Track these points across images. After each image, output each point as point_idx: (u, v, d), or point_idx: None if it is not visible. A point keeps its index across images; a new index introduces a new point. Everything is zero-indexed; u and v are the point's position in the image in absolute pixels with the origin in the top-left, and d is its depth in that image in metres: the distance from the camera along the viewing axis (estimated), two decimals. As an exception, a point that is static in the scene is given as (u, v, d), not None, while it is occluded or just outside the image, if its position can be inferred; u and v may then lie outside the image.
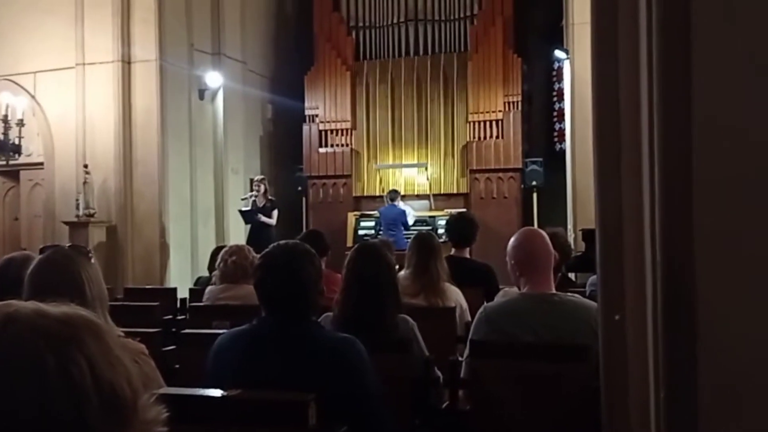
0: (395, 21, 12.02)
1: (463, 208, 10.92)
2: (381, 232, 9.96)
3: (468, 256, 4.88)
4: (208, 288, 4.28)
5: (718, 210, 1.25)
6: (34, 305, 0.83)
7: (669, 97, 1.30)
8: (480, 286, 4.34)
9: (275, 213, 9.75)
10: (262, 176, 10.26)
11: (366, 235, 10.62)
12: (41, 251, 2.22)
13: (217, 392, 1.91)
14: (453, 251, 4.66)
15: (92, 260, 2.10)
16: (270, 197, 9.88)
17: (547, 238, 2.87)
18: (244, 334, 2.27)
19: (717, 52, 1.26)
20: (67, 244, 2.28)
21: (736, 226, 1.23)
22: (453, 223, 5.03)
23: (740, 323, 1.24)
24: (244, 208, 9.76)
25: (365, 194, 11.88)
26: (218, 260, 4.21)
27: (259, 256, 2.37)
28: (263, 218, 9.52)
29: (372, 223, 11.15)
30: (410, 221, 10.36)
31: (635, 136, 1.42)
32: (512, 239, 2.86)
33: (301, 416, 1.73)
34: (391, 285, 2.88)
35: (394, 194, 10.43)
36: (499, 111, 11.28)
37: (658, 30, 1.31)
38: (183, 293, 5.63)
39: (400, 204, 10.42)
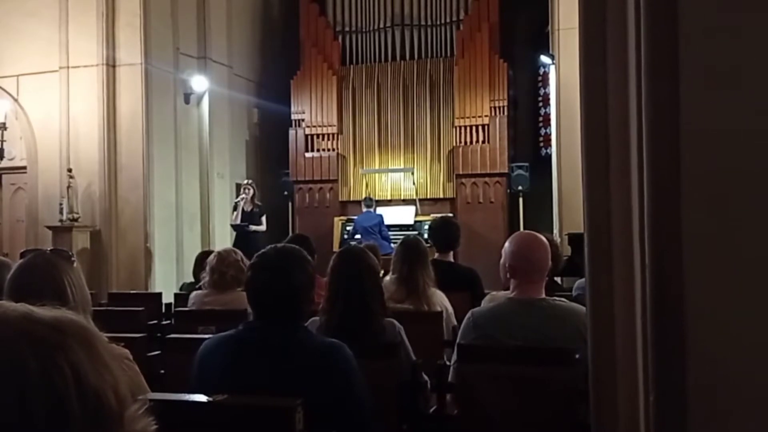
0: (381, 26, 12.03)
1: (450, 212, 10.92)
2: (357, 238, 9.85)
3: (452, 260, 4.87)
4: (194, 293, 4.24)
5: (706, 214, 1.25)
6: (26, 308, 0.81)
7: (657, 101, 1.30)
8: (464, 290, 4.33)
9: (264, 219, 9.74)
10: (249, 180, 10.22)
11: (350, 239, 10.60)
12: (22, 255, 2.18)
13: (202, 398, 1.89)
14: (437, 255, 4.64)
15: (74, 264, 2.06)
16: (257, 202, 9.86)
17: (548, 246, 2.83)
18: (229, 339, 2.25)
19: (705, 56, 1.27)
20: (49, 248, 2.24)
21: (724, 230, 1.24)
22: (436, 227, 4.99)
23: (729, 326, 1.24)
24: (234, 222, 9.75)
25: (351, 199, 11.86)
26: (212, 269, 4.08)
27: (255, 255, 2.35)
28: (253, 227, 9.52)
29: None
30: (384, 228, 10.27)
31: (623, 140, 1.42)
32: (512, 242, 2.81)
33: (288, 421, 1.71)
34: (376, 288, 2.87)
35: (369, 201, 10.43)
36: (485, 116, 11.31)
37: (647, 34, 1.31)
38: (168, 298, 5.58)
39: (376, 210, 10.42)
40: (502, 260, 2.81)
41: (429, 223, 7.34)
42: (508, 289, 2.85)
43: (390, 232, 10.19)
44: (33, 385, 0.73)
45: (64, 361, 0.75)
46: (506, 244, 2.81)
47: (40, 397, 0.73)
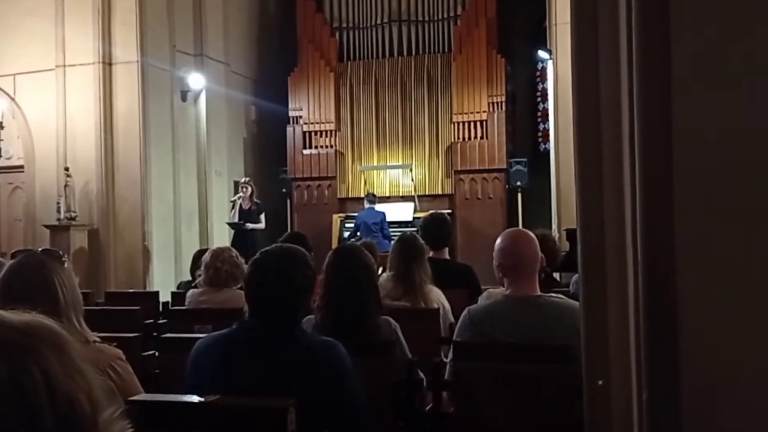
0: (379, 22, 12.01)
1: (448, 209, 10.92)
2: (359, 234, 9.81)
3: (447, 257, 4.84)
4: (190, 291, 4.23)
5: (699, 211, 1.24)
6: None
7: (649, 98, 1.29)
8: (460, 287, 4.32)
9: (263, 217, 9.71)
10: (247, 178, 10.19)
11: (351, 236, 10.58)
12: (13, 256, 2.17)
13: (194, 398, 1.88)
14: (431, 253, 4.62)
15: (66, 264, 2.05)
16: (255, 200, 9.84)
17: (535, 240, 2.83)
18: (223, 338, 2.24)
19: (697, 52, 1.26)
20: (40, 248, 2.22)
21: (716, 228, 1.23)
22: (425, 225, 4.93)
23: (721, 324, 1.24)
24: (230, 221, 9.72)
25: (350, 196, 11.85)
26: (207, 265, 4.08)
27: (258, 252, 2.34)
28: (251, 226, 9.48)
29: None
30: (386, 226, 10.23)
31: (616, 138, 1.41)
32: (498, 240, 2.83)
33: (281, 422, 1.70)
34: (371, 286, 2.85)
35: (372, 197, 10.37)
36: (484, 111, 11.30)
37: (638, 31, 1.30)
38: (166, 297, 5.56)
39: (378, 207, 10.39)
40: (494, 261, 2.81)
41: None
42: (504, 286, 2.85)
43: (389, 229, 10.16)
44: (2, 392, 0.72)
45: (35, 366, 0.75)
46: (495, 244, 2.82)
47: (9, 404, 0.72)
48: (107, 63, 9.23)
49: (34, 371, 0.74)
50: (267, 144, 12.40)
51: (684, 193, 1.24)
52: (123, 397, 1.78)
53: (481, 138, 11.32)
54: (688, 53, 1.26)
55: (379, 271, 3.58)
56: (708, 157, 1.23)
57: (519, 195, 10.96)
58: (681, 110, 1.25)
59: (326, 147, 11.93)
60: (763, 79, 1.22)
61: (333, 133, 11.91)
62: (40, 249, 2.13)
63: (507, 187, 11.21)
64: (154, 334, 4.02)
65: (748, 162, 1.21)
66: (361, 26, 12.12)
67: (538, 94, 12.80)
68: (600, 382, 1.46)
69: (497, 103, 11.33)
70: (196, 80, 10.30)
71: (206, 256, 4.13)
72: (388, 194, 11.64)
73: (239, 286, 4.00)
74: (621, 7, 1.37)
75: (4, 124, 9.23)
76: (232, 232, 9.95)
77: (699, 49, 1.25)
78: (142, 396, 1.96)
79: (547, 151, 11.02)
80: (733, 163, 1.22)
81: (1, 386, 0.72)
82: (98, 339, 2.05)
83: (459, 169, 11.36)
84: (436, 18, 11.87)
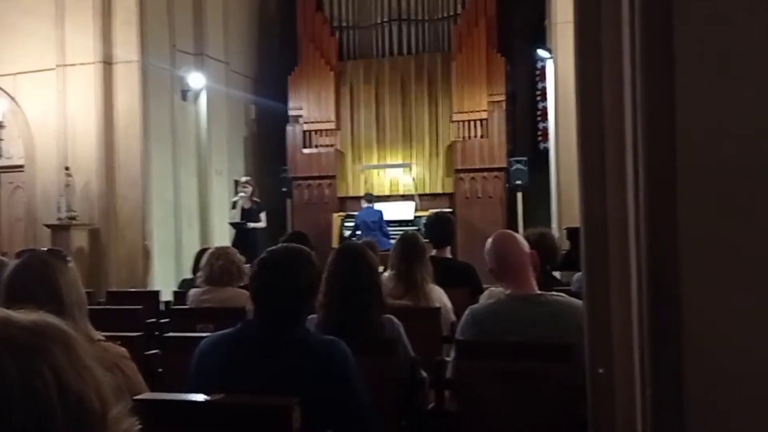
0: (379, 21, 12.02)
1: (449, 208, 10.93)
2: (359, 233, 9.84)
3: (449, 255, 4.87)
4: (191, 291, 4.24)
5: (702, 209, 1.24)
6: (2, 312, 0.80)
7: (652, 96, 1.29)
8: (461, 286, 4.34)
9: (263, 215, 9.71)
10: (248, 177, 10.19)
11: (352, 235, 10.59)
12: (17, 255, 2.17)
13: (200, 397, 1.88)
14: (434, 252, 4.65)
15: (70, 264, 2.06)
16: (255, 199, 9.84)
17: (518, 237, 2.87)
18: (228, 337, 2.24)
19: (700, 50, 1.26)
20: (44, 248, 2.23)
21: (720, 226, 1.23)
22: (430, 223, 5.03)
23: (725, 320, 1.24)
24: (232, 220, 9.72)
25: (350, 195, 11.86)
26: (204, 263, 4.15)
27: (265, 251, 2.35)
28: (252, 225, 9.48)
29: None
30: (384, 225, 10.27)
31: (619, 135, 1.41)
32: (487, 246, 2.87)
33: (285, 420, 1.71)
34: (374, 285, 2.86)
35: (370, 197, 10.42)
36: (484, 110, 11.31)
37: (641, 28, 1.30)
38: (167, 296, 5.57)
39: (375, 206, 10.42)
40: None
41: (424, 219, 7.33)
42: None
43: (389, 228, 10.18)
44: (14, 392, 0.72)
45: (45, 364, 0.75)
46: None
47: (20, 403, 0.72)
48: (107, 62, 9.23)
49: (45, 370, 0.74)
50: (267, 143, 12.41)
51: (687, 191, 1.24)
52: (129, 395, 1.78)
53: (481, 137, 11.33)
54: (691, 51, 1.26)
55: (380, 270, 3.59)
56: (711, 155, 1.23)
57: (519, 194, 10.97)
58: (684, 108, 1.26)
59: (326, 146, 11.94)
60: (765, 77, 1.23)
61: (333, 132, 11.92)
62: (44, 249, 2.14)
63: (507, 185, 11.22)
64: (156, 333, 4.03)
65: (751, 160, 1.21)
66: (361, 25, 12.13)
67: (538, 93, 12.81)
68: (600, 370, 1.47)
69: (497, 102, 11.34)
70: (196, 79, 10.30)
71: (204, 257, 4.18)
72: (388, 193, 11.66)
73: (241, 284, 4.02)
74: (624, 5, 1.37)
75: (4, 124, 9.24)
76: (234, 231, 9.96)
77: (702, 47, 1.25)
78: (148, 394, 1.97)
79: (547, 150, 11.02)
80: (737, 161, 1.22)
81: (12, 386, 0.72)
82: (102, 338, 2.06)
83: (459, 168, 11.37)
84: (436, 17, 11.88)
